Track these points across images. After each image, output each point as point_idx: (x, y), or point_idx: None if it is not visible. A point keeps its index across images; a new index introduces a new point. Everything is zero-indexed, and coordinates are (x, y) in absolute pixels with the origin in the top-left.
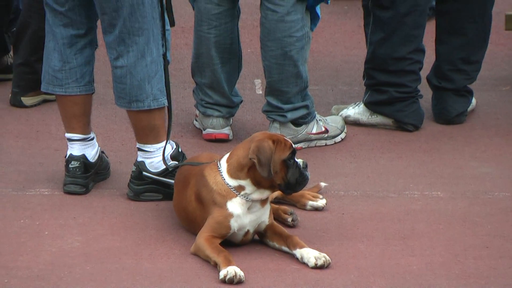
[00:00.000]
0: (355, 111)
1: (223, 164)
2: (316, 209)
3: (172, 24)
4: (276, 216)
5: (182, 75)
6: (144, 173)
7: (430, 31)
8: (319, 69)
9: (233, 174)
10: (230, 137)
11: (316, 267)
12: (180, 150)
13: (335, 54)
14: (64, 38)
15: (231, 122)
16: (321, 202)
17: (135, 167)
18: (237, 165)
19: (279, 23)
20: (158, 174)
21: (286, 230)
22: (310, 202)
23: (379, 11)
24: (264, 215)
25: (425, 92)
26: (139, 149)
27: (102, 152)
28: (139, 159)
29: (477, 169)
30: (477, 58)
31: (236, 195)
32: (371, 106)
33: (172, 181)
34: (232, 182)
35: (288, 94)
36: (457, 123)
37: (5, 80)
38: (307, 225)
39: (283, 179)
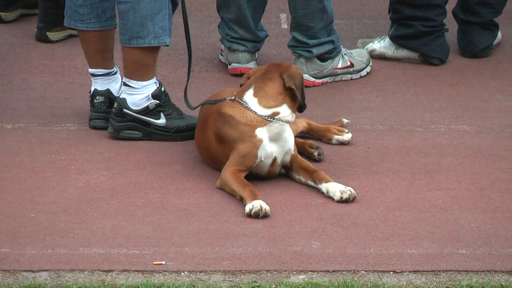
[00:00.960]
0: (381, 45)
1: (250, 99)
2: (342, 143)
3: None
4: (302, 151)
5: (208, 10)
6: (124, 110)
7: None
8: (345, 3)
9: (266, 104)
10: None
11: (341, 201)
12: (163, 89)
13: None
14: None
15: (256, 57)
16: (346, 136)
17: (117, 104)
18: (272, 95)
19: None
20: (138, 112)
21: (312, 165)
22: (336, 136)
23: None
24: (288, 143)
25: (451, 26)
26: (125, 84)
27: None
28: (122, 95)
29: (503, 103)
30: None
31: (267, 123)
32: (396, 40)
33: (152, 119)
34: (266, 112)
35: (314, 29)
36: (483, 56)
37: (31, 15)
38: (333, 159)
39: (302, 100)
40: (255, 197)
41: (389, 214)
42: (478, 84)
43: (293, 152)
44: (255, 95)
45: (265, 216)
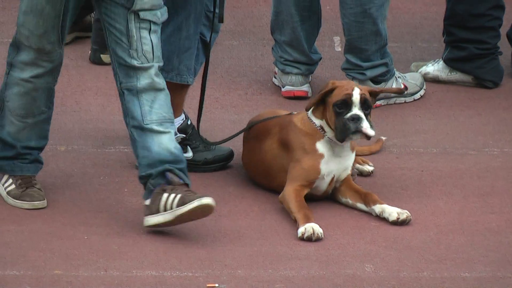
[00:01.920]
0: (435, 68)
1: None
2: (361, 173)
3: (220, 20)
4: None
5: (261, 32)
6: None
7: None
8: (398, 26)
9: (315, 113)
10: (309, 94)
11: (397, 222)
12: (189, 123)
13: (414, 11)
14: None
15: (310, 79)
16: (367, 168)
17: None
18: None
19: None
20: None
21: (358, 186)
22: (357, 165)
23: None
24: (349, 160)
25: (505, 49)
26: None
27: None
28: None
29: None
30: None
31: (323, 136)
32: (450, 62)
33: (187, 154)
34: (317, 121)
35: (367, 52)
36: None
37: (85, 38)
38: (386, 182)
39: (333, 124)
40: (308, 220)
41: (442, 237)
42: None
43: (349, 172)
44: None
45: (318, 239)
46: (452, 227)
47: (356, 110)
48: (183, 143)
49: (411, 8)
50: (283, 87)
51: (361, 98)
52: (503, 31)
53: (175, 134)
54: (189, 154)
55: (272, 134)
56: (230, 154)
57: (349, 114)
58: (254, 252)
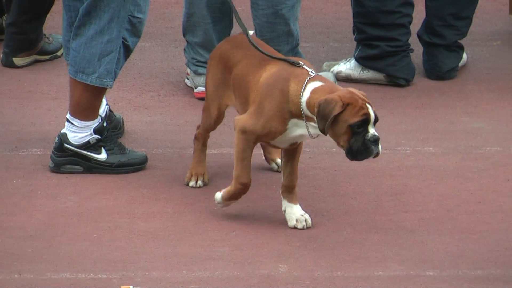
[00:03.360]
0: (347, 66)
1: (308, 91)
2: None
3: (245, 32)
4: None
5: (173, 34)
6: (65, 145)
7: None
8: (310, 26)
9: (309, 107)
10: None
11: (295, 228)
12: (105, 125)
13: (326, 11)
14: None
15: None
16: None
17: (58, 138)
18: (313, 103)
19: None
20: (79, 146)
21: (297, 173)
22: (278, 160)
23: None
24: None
25: (416, 48)
26: (68, 120)
27: (110, 110)
28: (63, 130)
29: (469, 124)
30: (468, 14)
31: (303, 120)
32: (362, 61)
33: (93, 154)
34: (306, 112)
35: (280, 52)
36: (448, 78)
37: None
38: (299, 182)
39: (346, 142)
40: (234, 198)
41: (356, 237)
42: (444, 106)
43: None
44: (314, 91)
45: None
46: (365, 226)
47: (373, 130)
48: (98, 145)
49: (323, 8)
50: (195, 88)
51: (375, 115)
52: (414, 30)
53: (91, 135)
54: (103, 156)
55: (268, 67)
56: (145, 159)
57: (370, 135)
58: (168, 253)
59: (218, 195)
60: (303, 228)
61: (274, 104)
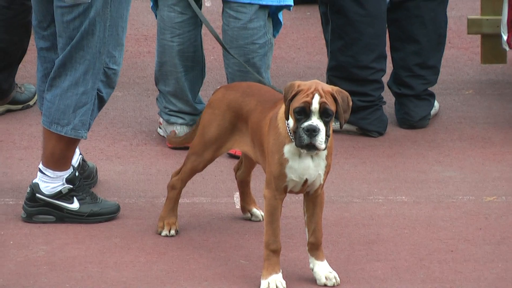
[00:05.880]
0: None
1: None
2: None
3: (218, 39)
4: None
5: (145, 83)
6: (37, 195)
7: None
8: (282, 75)
9: (281, 118)
10: None
11: (325, 286)
12: (77, 174)
13: (298, 60)
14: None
15: None
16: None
17: (30, 188)
18: (283, 112)
19: (241, 30)
20: (51, 196)
21: (322, 229)
22: (254, 210)
23: (337, 18)
24: (318, 167)
25: (388, 97)
26: (40, 171)
27: (84, 160)
28: (35, 180)
29: (441, 173)
30: (434, 63)
31: (291, 140)
32: None
33: (65, 204)
34: (291, 123)
35: None
36: (420, 127)
37: None
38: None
39: (294, 127)
40: (273, 269)
41: None
42: (416, 155)
43: (321, 181)
44: None
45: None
46: (338, 275)
47: (314, 120)
48: (70, 194)
49: (295, 57)
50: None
51: (320, 107)
52: (385, 79)
53: (63, 184)
54: (76, 205)
55: (266, 110)
56: (117, 208)
57: (305, 124)
58: None
59: (264, 283)
60: (333, 286)
61: (271, 138)
